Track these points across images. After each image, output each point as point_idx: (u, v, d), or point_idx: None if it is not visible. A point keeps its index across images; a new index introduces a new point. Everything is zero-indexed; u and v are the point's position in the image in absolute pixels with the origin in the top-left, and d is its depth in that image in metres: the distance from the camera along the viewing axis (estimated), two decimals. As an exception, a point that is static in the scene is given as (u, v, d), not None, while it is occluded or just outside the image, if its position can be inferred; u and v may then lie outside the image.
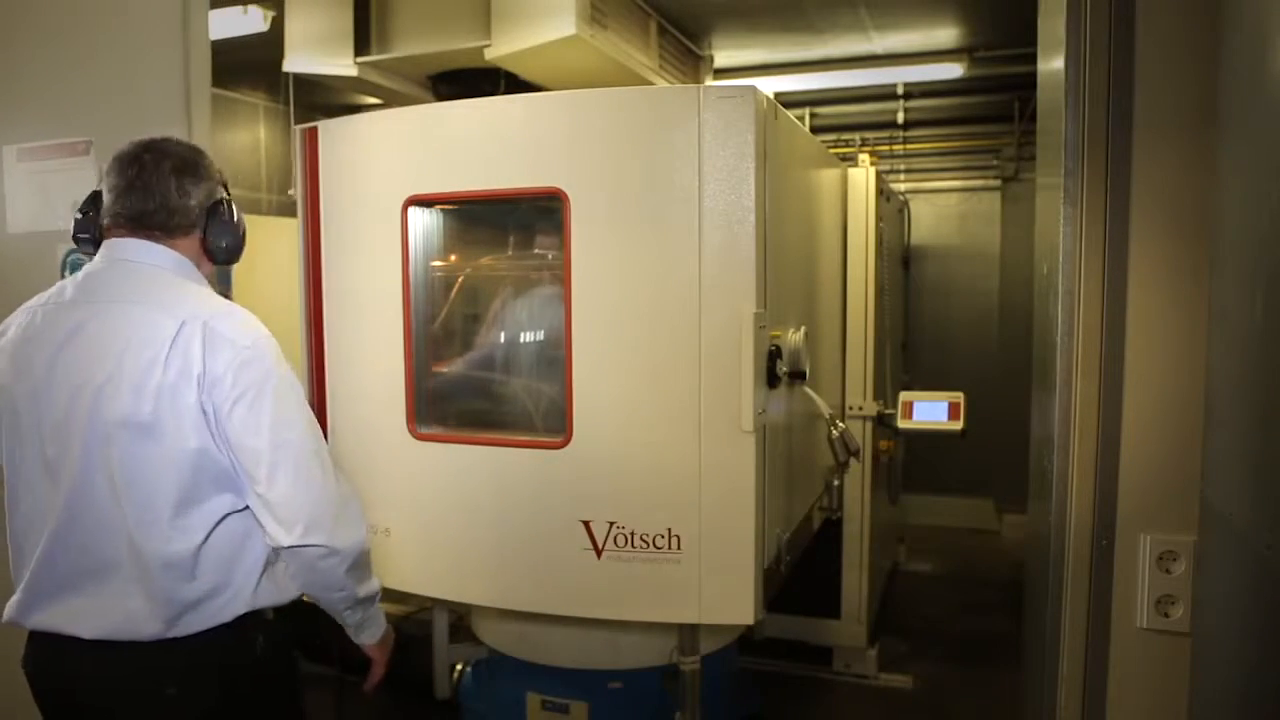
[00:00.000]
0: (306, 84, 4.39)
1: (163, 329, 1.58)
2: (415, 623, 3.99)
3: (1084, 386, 1.79)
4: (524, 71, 3.48)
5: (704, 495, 2.20)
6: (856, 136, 6.41)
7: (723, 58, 5.05)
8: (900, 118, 6.34)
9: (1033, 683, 2.10)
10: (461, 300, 2.74)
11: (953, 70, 5.19)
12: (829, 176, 3.50)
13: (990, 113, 6.14)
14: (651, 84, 3.86)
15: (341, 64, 3.51)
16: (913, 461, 5.25)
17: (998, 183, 6.28)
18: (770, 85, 5.26)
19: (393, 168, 2.49)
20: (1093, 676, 1.81)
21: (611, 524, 2.28)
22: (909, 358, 5.52)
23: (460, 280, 2.73)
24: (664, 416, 2.23)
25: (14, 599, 1.67)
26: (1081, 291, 1.78)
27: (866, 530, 3.95)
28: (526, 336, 2.73)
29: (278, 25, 3.81)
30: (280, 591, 1.73)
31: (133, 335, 1.59)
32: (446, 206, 2.59)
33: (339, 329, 2.64)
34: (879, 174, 3.92)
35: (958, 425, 3.59)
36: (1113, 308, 1.75)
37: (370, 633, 1.87)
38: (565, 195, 2.27)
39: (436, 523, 2.49)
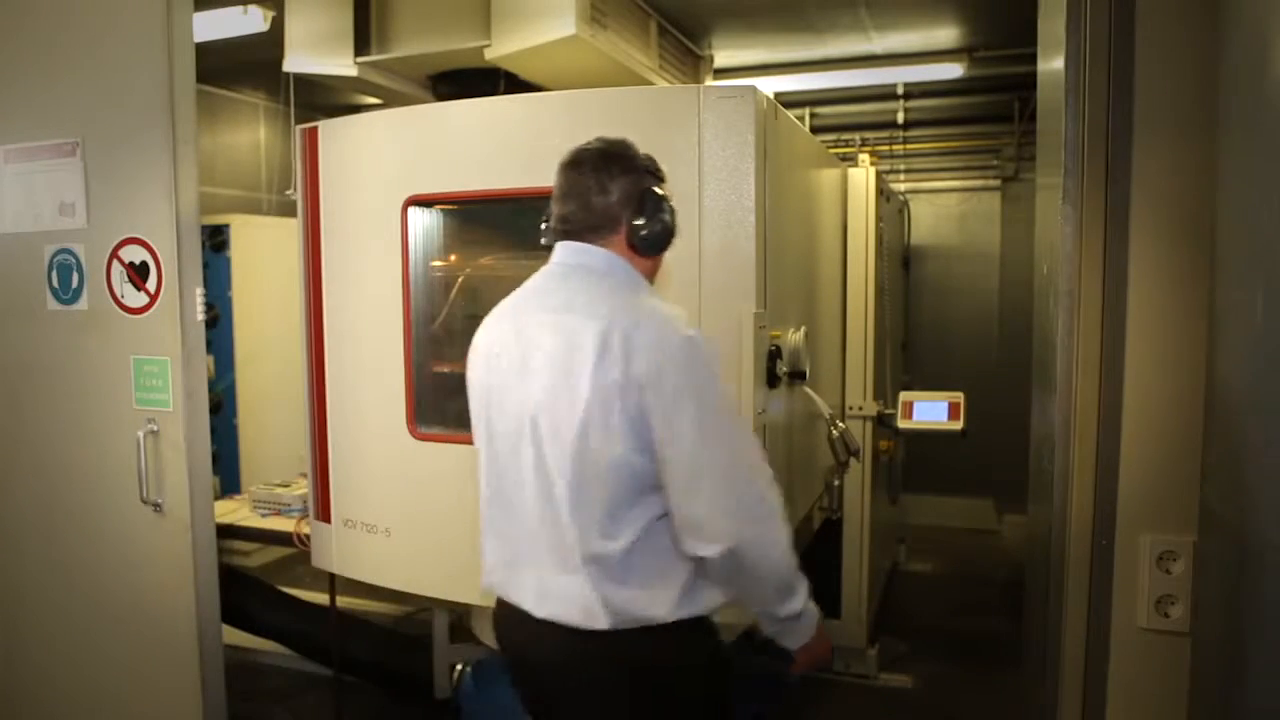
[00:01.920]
0: (306, 84, 4.38)
1: (589, 337, 1.58)
2: (415, 623, 3.99)
3: (1084, 386, 1.79)
4: (524, 71, 3.47)
5: (704, 495, 2.19)
6: (856, 136, 6.40)
7: (723, 58, 5.04)
8: (900, 118, 6.34)
9: (1033, 683, 2.09)
10: (462, 300, 2.74)
11: (953, 70, 5.19)
12: (829, 176, 3.50)
13: (990, 113, 6.14)
14: (651, 84, 3.86)
15: (341, 64, 3.51)
16: (913, 461, 5.25)
17: (998, 183, 6.28)
18: (770, 85, 5.26)
19: (392, 168, 2.49)
20: (1093, 676, 1.81)
21: None
22: (909, 358, 5.51)
23: (460, 280, 2.72)
24: (664, 416, 2.22)
25: (486, 569, 1.80)
26: (1081, 291, 1.78)
27: (866, 530, 3.95)
28: None
29: (278, 25, 3.81)
30: (708, 601, 1.68)
31: (563, 345, 1.62)
32: (446, 206, 2.59)
33: (339, 329, 2.64)
34: (879, 174, 3.92)
35: (958, 425, 3.59)
36: (1113, 308, 1.75)
37: (790, 640, 1.76)
38: None
39: (437, 523, 2.48)
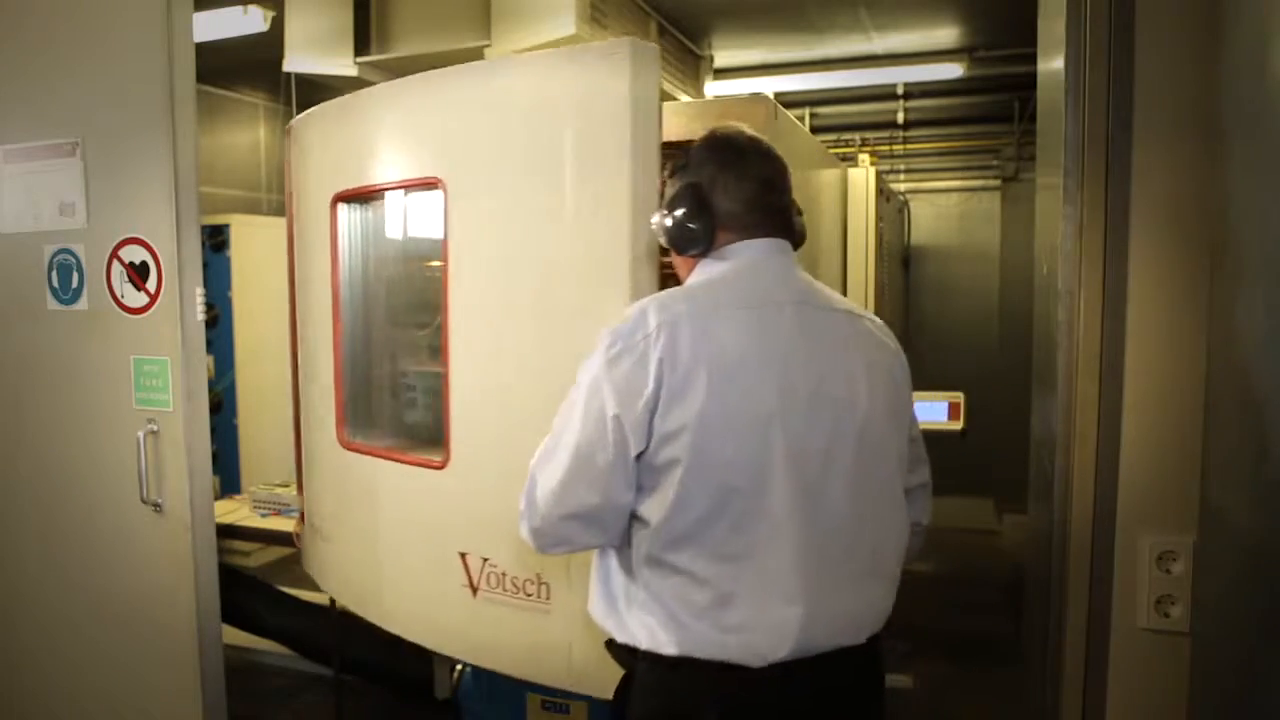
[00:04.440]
0: (306, 84, 4.38)
1: (871, 337, 1.61)
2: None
3: (1084, 386, 1.78)
4: (524, 71, 3.47)
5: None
6: (856, 136, 6.41)
7: (723, 58, 5.05)
8: (900, 118, 6.34)
9: (1033, 683, 2.09)
10: (399, 302, 2.56)
11: (953, 70, 5.19)
12: (829, 177, 3.50)
13: (990, 113, 6.14)
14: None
15: (341, 64, 3.50)
16: (912, 461, 5.24)
17: (998, 183, 6.28)
18: (770, 85, 5.26)
19: (323, 162, 2.40)
20: (1093, 676, 1.81)
21: (485, 560, 1.99)
22: (909, 358, 5.51)
23: (393, 280, 2.55)
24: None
25: (792, 615, 1.41)
26: (1081, 291, 1.78)
27: (866, 530, 3.94)
28: (419, 341, 2.47)
29: (278, 25, 3.81)
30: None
31: (849, 341, 1.56)
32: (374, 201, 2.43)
33: (302, 331, 2.59)
34: (879, 174, 3.92)
35: (958, 425, 3.59)
36: (1113, 308, 1.75)
37: None
38: (443, 184, 2.02)
39: (356, 536, 2.39)
